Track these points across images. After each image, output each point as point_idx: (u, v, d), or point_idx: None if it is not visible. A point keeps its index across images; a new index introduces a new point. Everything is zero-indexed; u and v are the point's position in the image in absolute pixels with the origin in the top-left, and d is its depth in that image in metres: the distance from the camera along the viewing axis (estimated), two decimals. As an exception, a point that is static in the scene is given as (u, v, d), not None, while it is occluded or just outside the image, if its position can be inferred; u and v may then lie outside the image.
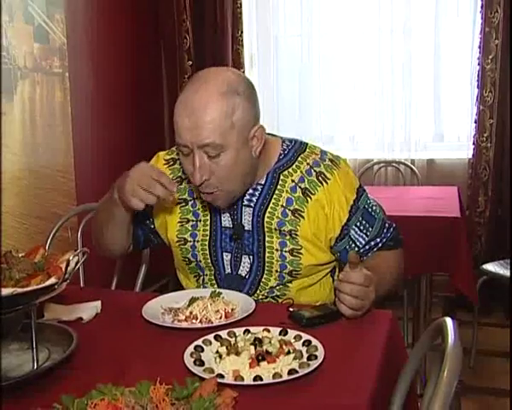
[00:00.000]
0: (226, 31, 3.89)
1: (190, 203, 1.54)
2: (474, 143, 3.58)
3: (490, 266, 2.91)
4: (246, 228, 1.49)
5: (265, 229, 1.47)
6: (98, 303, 1.38)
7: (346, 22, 3.87)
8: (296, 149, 1.52)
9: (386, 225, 1.54)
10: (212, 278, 1.54)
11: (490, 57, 3.42)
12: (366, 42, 3.86)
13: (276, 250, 1.47)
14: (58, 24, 2.96)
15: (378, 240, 1.52)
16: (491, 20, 3.39)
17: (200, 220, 1.52)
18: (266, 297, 1.50)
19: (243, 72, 3.90)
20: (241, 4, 3.88)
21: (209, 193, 1.40)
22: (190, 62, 3.99)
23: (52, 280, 1.05)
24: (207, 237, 1.51)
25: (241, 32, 3.91)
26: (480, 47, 3.46)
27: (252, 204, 1.48)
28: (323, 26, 3.92)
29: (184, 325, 1.26)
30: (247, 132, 1.35)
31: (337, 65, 3.95)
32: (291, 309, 1.30)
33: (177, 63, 4.03)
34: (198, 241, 1.52)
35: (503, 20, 3.35)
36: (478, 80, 3.50)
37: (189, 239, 1.52)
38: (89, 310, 1.34)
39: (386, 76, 3.83)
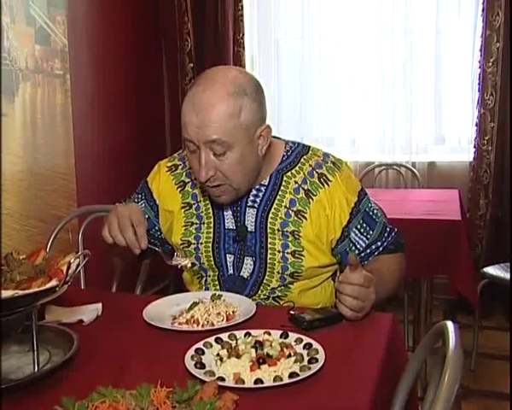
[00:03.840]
0: (227, 33, 3.90)
1: (194, 207, 1.55)
2: (474, 146, 3.58)
3: (490, 270, 2.91)
4: (249, 229, 1.50)
5: (268, 230, 1.48)
6: (99, 306, 1.38)
7: (347, 25, 3.88)
8: (299, 151, 1.54)
9: (388, 229, 1.54)
10: (215, 279, 1.55)
11: (491, 60, 3.43)
12: (367, 45, 3.86)
13: (278, 252, 1.47)
14: (59, 26, 2.96)
15: (379, 244, 1.52)
16: (493, 23, 3.39)
17: (203, 223, 1.53)
18: (268, 298, 1.51)
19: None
20: (242, 7, 3.88)
21: (215, 186, 1.41)
22: (191, 65, 4.00)
23: (53, 283, 1.05)
24: (211, 240, 1.52)
25: (242, 35, 3.91)
26: (481, 50, 3.47)
27: (256, 205, 1.50)
28: (324, 29, 3.92)
29: (185, 327, 1.26)
30: (253, 132, 1.37)
31: (338, 67, 3.96)
32: (292, 312, 1.29)
33: (178, 65, 4.03)
34: (201, 243, 1.53)
35: (504, 24, 3.36)
36: (479, 83, 3.50)
37: (193, 241, 1.53)
38: (89, 312, 1.34)
39: (387, 79, 3.83)
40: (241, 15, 3.89)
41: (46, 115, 2.89)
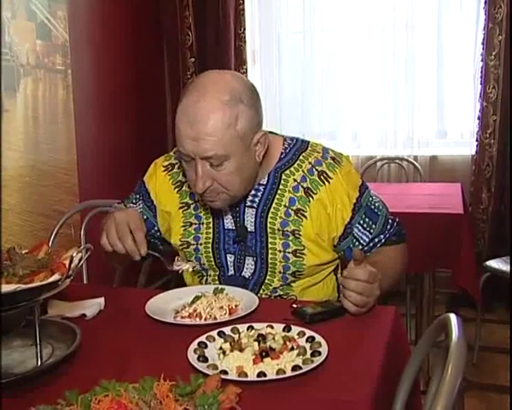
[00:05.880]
0: (229, 27, 3.89)
1: (192, 207, 1.53)
2: (477, 140, 3.57)
3: (493, 263, 2.91)
4: (249, 229, 1.48)
5: (268, 230, 1.46)
6: (101, 300, 1.38)
7: (349, 19, 3.87)
8: (298, 147, 1.51)
9: (390, 220, 1.54)
10: (216, 278, 1.53)
11: (493, 53, 3.42)
12: (369, 38, 3.85)
13: (279, 251, 1.46)
14: (60, 21, 2.96)
15: (382, 236, 1.51)
16: (495, 16, 3.38)
17: (202, 223, 1.51)
18: (269, 297, 1.50)
19: (245, 69, 3.91)
20: (243, 1, 3.88)
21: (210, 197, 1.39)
22: (193, 59, 3.99)
23: (55, 277, 1.05)
24: (210, 240, 1.51)
25: (244, 29, 3.91)
26: (483, 43, 3.46)
27: (254, 205, 1.47)
28: (326, 23, 3.92)
29: (187, 321, 1.26)
30: (250, 139, 1.34)
31: (340, 61, 3.95)
32: (294, 305, 1.29)
33: (180, 60, 4.03)
34: (201, 244, 1.51)
35: (507, 16, 3.35)
36: (481, 76, 3.49)
37: (193, 242, 1.52)
38: (92, 307, 1.34)
39: (388, 72, 3.83)
40: (243, 10, 3.89)
41: (48, 111, 2.89)
